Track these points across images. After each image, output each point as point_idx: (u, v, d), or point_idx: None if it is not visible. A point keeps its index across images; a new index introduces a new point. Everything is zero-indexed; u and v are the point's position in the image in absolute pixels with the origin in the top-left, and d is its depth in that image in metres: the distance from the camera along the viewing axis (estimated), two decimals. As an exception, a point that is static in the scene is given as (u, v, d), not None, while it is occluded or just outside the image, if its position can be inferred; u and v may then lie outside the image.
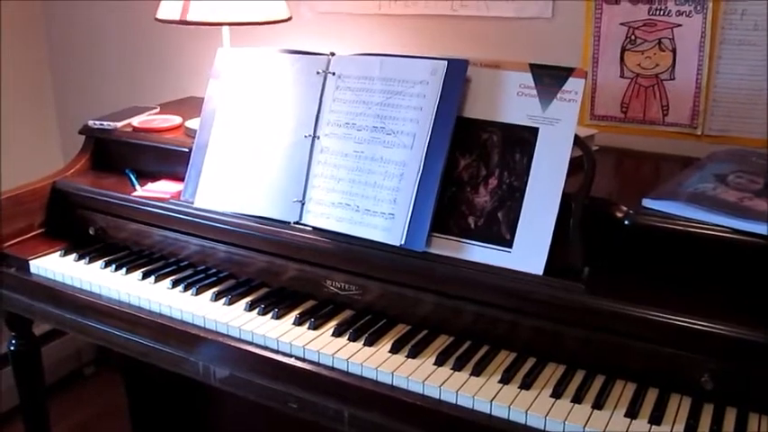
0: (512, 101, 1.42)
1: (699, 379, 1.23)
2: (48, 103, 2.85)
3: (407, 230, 1.44)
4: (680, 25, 1.73)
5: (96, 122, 1.99)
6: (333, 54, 1.61)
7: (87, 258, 1.79)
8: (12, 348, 1.96)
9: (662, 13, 1.74)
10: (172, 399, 2.30)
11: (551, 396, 1.26)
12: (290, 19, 1.90)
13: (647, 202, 1.41)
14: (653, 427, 1.19)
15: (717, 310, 1.24)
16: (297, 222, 1.58)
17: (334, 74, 1.58)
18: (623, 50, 1.80)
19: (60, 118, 2.86)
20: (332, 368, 1.39)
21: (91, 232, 1.89)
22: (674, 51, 1.75)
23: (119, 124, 1.98)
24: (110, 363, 2.90)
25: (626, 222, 1.39)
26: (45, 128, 2.85)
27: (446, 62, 1.46)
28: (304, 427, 1.98)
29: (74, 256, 1.80)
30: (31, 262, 1.79)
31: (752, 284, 1.29)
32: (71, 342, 2.79)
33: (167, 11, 1.78)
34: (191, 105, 2.15)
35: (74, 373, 2.86)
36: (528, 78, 1.42)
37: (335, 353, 1.39)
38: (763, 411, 1.21)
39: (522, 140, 1.41)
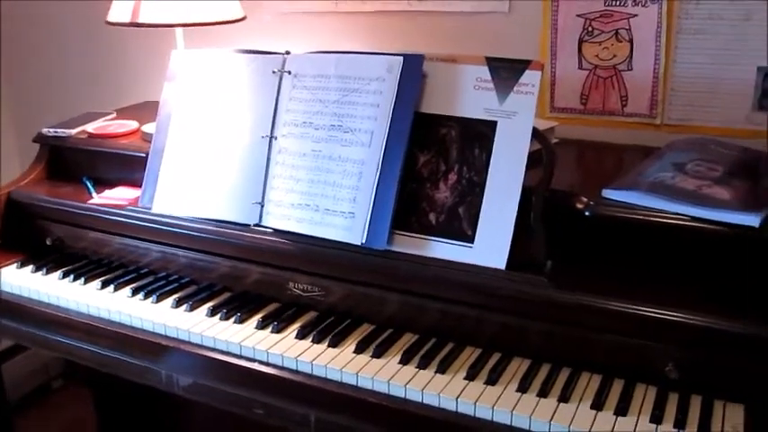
0: (469, 95, 1.41)
1: (663, 368, 1.23)
2: (2, 110, 2.78)
3: (368, 229, 1.42)
4: (636, 15, 1.73)
5: (51, 130, 1.95)
6: (288, 53, 1.59)
7: (45, 269, 1.75)
8: (-30, 365, 1.91)
9: (618, 3, 1.74)
10: (140, 410, 2.26)
11: (517, 391, 1.26)
12: (244, 18, 1.87)
13: (606, 193, 1.40)
14: (618, 418, 1.19)
15: (679, 298, 1.24)
16: (257, 225, 1.55)
17: (290, 73, 1.56)
18: (581, 42, 1.80)
19: (17, 125, 2.80)
20: (296, 371, 1.37)
21: (48, 242, 1.85)
22: (631, 42, 1.76)
23: (73, 131, 1.94)
24: (78, 376, 2.85)
25: (586, 213, 1.39)
26: (2, 136, 2.78)
27: (402, 58, 1.45)
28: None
29: (30, 267, 1.77)
30: (-14, 275, 1.75)
31: (712, 272, 1.29)
32: (38, 356, 2.73)
33: (118, 13, 1.75)
34: (148, 110, 2.11)
35: (41, 388, 2.80)
36: (485, 72, 1.41)
37: (299, 355, 1.37)
38: (727, 398, 1.21)
39: (480, 134, 1.40)
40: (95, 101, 2.40)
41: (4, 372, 2.03)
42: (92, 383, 2.31)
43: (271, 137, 1.56)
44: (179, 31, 1.82)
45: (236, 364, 1.41)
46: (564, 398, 1.23)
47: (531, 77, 1.37)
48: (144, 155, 1.74)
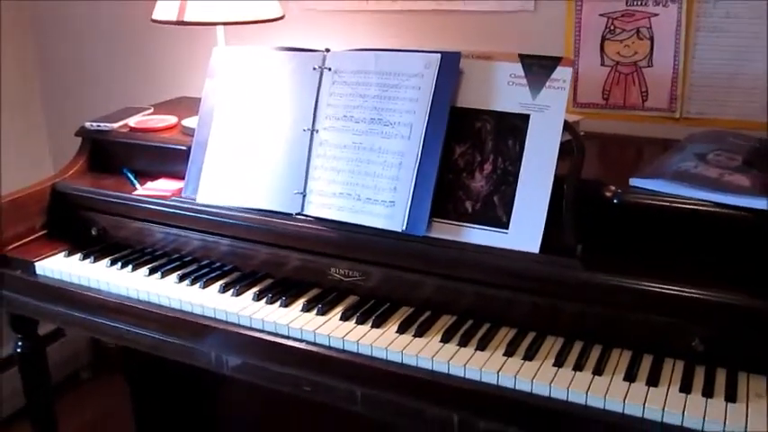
0: (503, 90, 1.50)
1: (690, 343, 1.32)
2: (35, 105, 2.86)
3: (408, 217, 1.51)
4: (657, 14, 1.82)
5: (93, 124, 2.03)
6: (328, 50, 1.67)
7: (92, 258, 1.83)
8: (18, 351, 1.99)
9: (639, 3, 1.83)
10: (175, 399, 2.33)
11: (554, 365, 1.34)
12: (282, 17, 1.95)
13: (633, 182, 1.49)
14: (650, 388, 1.27)
15: (703, 278, 1.32)
16: (299, 213, 1.63)
17: (330, 69, 1.64)
18: (603, 40, 1.89)
19: (48, 120, 2.88)
20: (342, 350, 1.45)
21: (93, 233, 1.93)
22: (651, 39, 1.84)
23: (115, 125, 2.02)
24: (107, 366, 2.94)
25: (615, 201, 1.47)
26: (32, 130, 2.86)
27: (440, 55, 1.53)
28: (307, 421, 2.07)
29: (78, 255, 1.85)
30: (36, 263, 1.83)
31: (735, 254, 1.38)
32: (69, 346, 2.82)
33: (164, 12, 1.83)
34: (184, 105, 2.20)
35: (70, 378, 2.88)
36: (518, 68, 1.49)
37: (345, 336, 1.46)
38: (751, 370, 1.30)
39: (514, 127, 1.48)
40: (125, 98, 2.48)
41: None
42: (126, 372, 2.37)
43: (312, 130, 1.64)
44: (220, 29, 1.90)
45: (285, 344, 1.49)
46: (598, 371, 1.31)
47: (562, 73, 1.46)
48: (185, 148, 1.83)
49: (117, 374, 2.53)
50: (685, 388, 1.26)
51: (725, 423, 1.19)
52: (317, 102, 1.65)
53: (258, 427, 2.22)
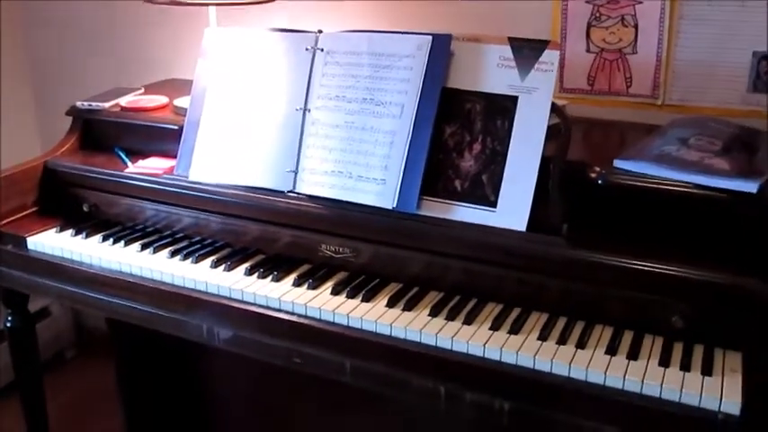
0: (493, 72, 1.53)
1: (670, 319, 1.37)
2: (25, 85, 2.86)
3: (399, 194, 1.54)
4: (641, 2, 1.86)
5: (84, 103, 2.05)
6: (320, 31, 1.70)
7: (84, 233, 1.85)
8: (8, 325, 2.01)
9: (624, -9, 1.87)
10: (164, 375, 2.35)
11: (538, 339, 1.38)
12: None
13: (618, 163, 1.53)
14: (631, 361, 1.32)
15: (683, 257, 1.37)
16: (291, 191, 1.66)
17: (322, 50, 1.67)
18: (589, 27, 1.93)
19: (37, 100, 2.88)
20: (333, 323, 1.49)
21: (84, 209, 1.95)
22: (636, 27, 1.89)
23: (106, 105, 2.03)
24: (91, 346, 2.96)
25: (599, 182, 1.51)
26: (21, 109, 2.86)
27: (431, 37, 1.56)
28: (297, 396, 2.10)
29: (70, 231, 1.86)
30: (28, 239, 1.84)
31: (714, 233, 1.43)
32: (54, 325, 2.83)
33: (157, -8, 1.85)
34: (174, 86, 2.21)
35: (55, 357, 2.90)
36: (507, 51, 1.53)
37: (336, 309, 1.49)
38: (727, 346, 1.35)
39: (503, 108, 1.52)
40: (118, 79, 2.49)
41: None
42: (116, 349, 2.38)
43: (304, 109, 1.67)
44: (212, 10, 1.92)
45: (276, 317, 1.52)
46: (581, 345, 1.36)
47: (549, 56, 1.50)
48: (177, 127, 1.85)
49: (101, 355, 2.55)
50: (664, 362, 1.31)
51: (701, 395, 1.24)
52: (309, 82, 1.68)
53: (247, 403, 2.25)
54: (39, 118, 2.89)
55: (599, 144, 1.86)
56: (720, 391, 1.24)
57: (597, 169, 1.53)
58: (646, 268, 1.37)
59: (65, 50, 2.75)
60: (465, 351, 1.38)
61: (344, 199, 1.60)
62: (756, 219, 1.40)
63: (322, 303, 1.51)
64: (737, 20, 1.79)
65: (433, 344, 1.41)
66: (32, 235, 1.86)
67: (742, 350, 1.34)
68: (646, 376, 1.27)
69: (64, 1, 2.67)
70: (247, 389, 2.21)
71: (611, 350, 1.34)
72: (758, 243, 1.39)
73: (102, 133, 2.07)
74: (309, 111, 1.67)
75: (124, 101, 2.06)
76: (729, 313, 1.34)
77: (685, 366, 1.30)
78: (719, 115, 1.80)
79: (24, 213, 1.96)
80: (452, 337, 1.39)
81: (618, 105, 1.95)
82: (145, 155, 1.97)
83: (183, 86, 2.08)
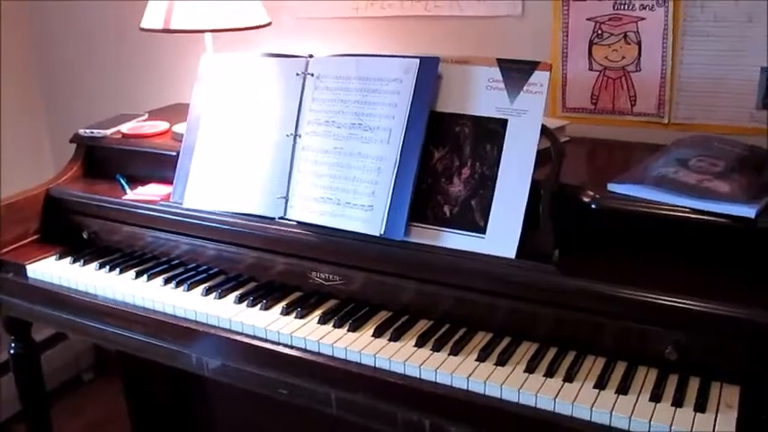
0: (481, 95, 1.50)
1: (664, 351, 1.30)
2: (38, 112, 2.91)
3: (386, 221, 1.51)
4: (644, 19, 1.81)
5: (87, 131, 2.06)
6: (311, 56, 1.68)
7: (82, 261, 1.85)
8: (11, 352, 2.02)
9: (626, 7, 1.82)
10: (170, 401, 2.35)
11: (525, 371, 1.34)
12: (269, 24, 1.97)
13: (612, 187, 1.48)
14: (620, 396, 1.26)
15: (679, 285, 1.31)
16: (281, 218, 1.65)
17: (312, 75, 1.66)
18: (591, 44, 1.88)
19: (51, 127, 2.93)
20: (318, 353, 1.46)
21: (84, 236, 1.96)
22: (639, 44, 1.83)
23: (108, 132, 2.05)
24: (108, 369, 2.97)
25: (593, 206, 1.46)
26: (36, 137, 2.91)
27: (418, 60, 1.54)
28: (299, 423, 2.07)
29: (69, 259, 1.87)
30: (27, 266, 1.86)
31: (711, 260, 1.36)
32: (70, 349, 2.86)
33: (151, 20, 1.85)
34: (178, 111, 2.22)
35: (73, 380, 2.92)
36: (496, 73, 1.49)
37: (321, 339, 1.46)
38: (724, 379, 1.28)
39: (492, 132, 1.48)
40: (127, 103, 2.51)
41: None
42: (123, 374, 2.40)
43: (295, 135, 1.65)
44: (208, 36, 1.92)
45: (263, 347, 1.50)
46: (569, 378, 1.31)
47: (539, 78, 1.45)
48: (175, 153, 1.85)
49: (117, 377, 2.56)
50: (655, 397, 1.25)
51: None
52: (299, 107, 1.66)
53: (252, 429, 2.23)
54: (53, 145, 2.93)
55: (600, 165, 1.81)
56: (713, 429, 1.17)
57: (590, 193, 1.48)
58: (640, 297, 1.32)
59: (79, 76, 2.79)
60: (449, 383, 1.34)
61: (333, 226, 1.57)
62: (755, 245, 1.33)
63: (308, 333, 1.49)
64: (744, 35, 1.72)
65: (417, 375, 1.37)
66: (32, 263, 1.87)
67: (740, 384, 1.27)
68: (634, 412, 1.22)
69: (74, 25, 2.71)
70: (255, 417, 2.19)
71: (601, 384, 1.29)
72: (758, 270, 1.32)
73: (104, 160, 2.08)
74: (300, 136, 1.65)
75: (126, 127, 2.07)
76: (727, 344, 1.27)
77: (677, 402, 1.24)
78: (727, 133, 1.73)
79: (27, 241, 1.98)
80: (436, 369, 1.35)
81: (622, 124, 1.89)
82: (146, 181, 1.98)
83: (185, 111, 2.07)
